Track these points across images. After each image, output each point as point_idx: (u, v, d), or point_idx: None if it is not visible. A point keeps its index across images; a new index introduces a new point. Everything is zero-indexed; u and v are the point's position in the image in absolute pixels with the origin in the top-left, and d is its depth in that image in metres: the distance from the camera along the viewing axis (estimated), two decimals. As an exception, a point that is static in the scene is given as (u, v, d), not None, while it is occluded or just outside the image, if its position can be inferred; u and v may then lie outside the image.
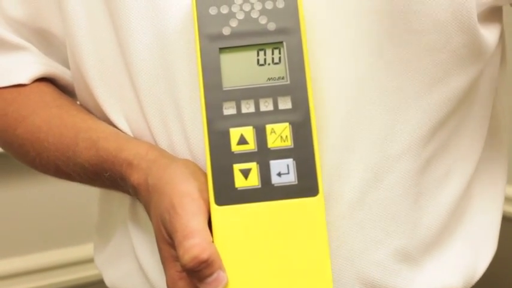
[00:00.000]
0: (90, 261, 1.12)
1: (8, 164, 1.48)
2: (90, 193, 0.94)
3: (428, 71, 0.70)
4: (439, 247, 0.76)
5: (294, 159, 0.65)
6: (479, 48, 0.72)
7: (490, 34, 0.73)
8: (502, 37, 0.79)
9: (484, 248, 0.80)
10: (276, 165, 0.65)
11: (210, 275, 0.63)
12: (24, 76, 0.81)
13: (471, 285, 0.78)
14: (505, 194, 0.84)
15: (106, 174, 0.73)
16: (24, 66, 0.81)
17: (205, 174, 0.67)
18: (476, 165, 0.78)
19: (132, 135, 0.75)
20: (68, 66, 0.81)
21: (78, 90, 0.80)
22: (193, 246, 0.62)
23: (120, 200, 0.80)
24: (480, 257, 0.79)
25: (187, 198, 0.64)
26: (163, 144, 0.73)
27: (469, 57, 0.72)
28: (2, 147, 0.84)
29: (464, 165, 0.77)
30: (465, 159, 0.77)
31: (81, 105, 0.81)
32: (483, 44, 0.72)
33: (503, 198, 0.83)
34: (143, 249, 0.77)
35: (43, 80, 0.82)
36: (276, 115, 0.65)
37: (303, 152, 0.65)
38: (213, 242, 0.64)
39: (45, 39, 0.81)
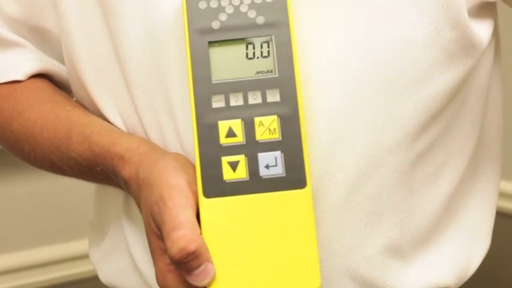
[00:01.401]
0: (85, 257, 1.12)
1: (1, 160, 1.49)
2: (85, 189, 0.95)
3: (419, 65, 0.70)
4: (431, 243, 0.75)
5: (282, 152, 0.65)
6: (471, 43, 0.72)
7: (481, 30, 0.73)
8: (495, 33, 0.79)
9: (477, 244, 0.80)
10: (264, 158, 0.65)
11: (198, 267, 0.63)
12: (20, 72, 0.82)
13: (464, 281, 0.78)
14: (499, 190, 0.84)
15: (98, 169, 0.73)
16: (20, 62, 0.82)
17: (195, 168, 0.67)
18: (469, 161, 0.78)
19: (125, 130, 0.75)
20: (63, 63, 0.82)
21: (74, 86, 0.81)
22: (181, 238, 0.62)
23: (114, 195, 0.80)
24: (473, 253, 0.79)
25: (176, 191, 0.65)
26: (155, 138, 0.73)
27: (460, 52, 0.72)
28: (-2, 143, 0.85)
29: (457, 161, 0.76)
30: (458, 155, 0.76)
31: (76, 101, 0.82)
32: (474, 39, 0.72)
33: (497, 194, 0.83)
34: (136, 244, 0.77)
35: (39, 76, 0.83)
36: (265, 108, 0.65)
37: (291, 144, 0.65)
38: (201, 234, 0.64)
39: (40, 36, 0.82)
